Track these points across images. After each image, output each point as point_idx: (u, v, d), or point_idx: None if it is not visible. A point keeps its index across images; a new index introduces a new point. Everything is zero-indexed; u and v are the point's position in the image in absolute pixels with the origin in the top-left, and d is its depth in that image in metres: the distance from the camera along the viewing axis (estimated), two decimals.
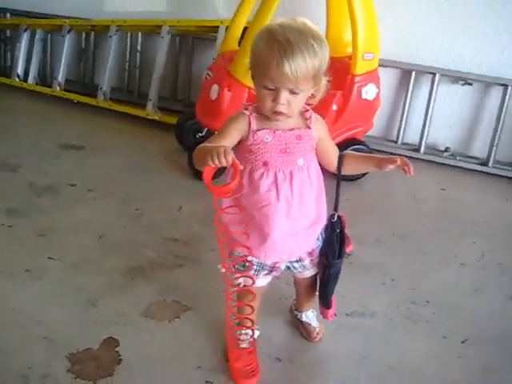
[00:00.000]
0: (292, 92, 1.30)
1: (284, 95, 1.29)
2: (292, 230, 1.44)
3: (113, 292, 1.90)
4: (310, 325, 1.75)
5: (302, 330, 1.77)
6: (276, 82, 1.28)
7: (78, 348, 1.63)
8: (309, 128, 1.41)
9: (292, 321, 1.82)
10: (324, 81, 1.36)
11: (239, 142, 1.41)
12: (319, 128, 1.45)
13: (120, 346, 1.66)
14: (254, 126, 1.37)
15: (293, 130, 1.39)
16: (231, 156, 1.23)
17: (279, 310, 1.85)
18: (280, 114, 1.33)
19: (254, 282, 1.50)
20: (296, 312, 1.79)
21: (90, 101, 3.66)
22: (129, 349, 1.65)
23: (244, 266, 1.49)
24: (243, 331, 1.64)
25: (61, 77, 3.82)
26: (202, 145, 1.34)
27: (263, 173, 1.39)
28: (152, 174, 2.83)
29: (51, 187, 2.60)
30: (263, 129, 1.37)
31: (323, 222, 1.51)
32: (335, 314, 1.70)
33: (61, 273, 1.99)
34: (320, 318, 1.75)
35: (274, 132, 1.37)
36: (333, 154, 1.51)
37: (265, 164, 1.38)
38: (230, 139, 1.38)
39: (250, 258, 1.47)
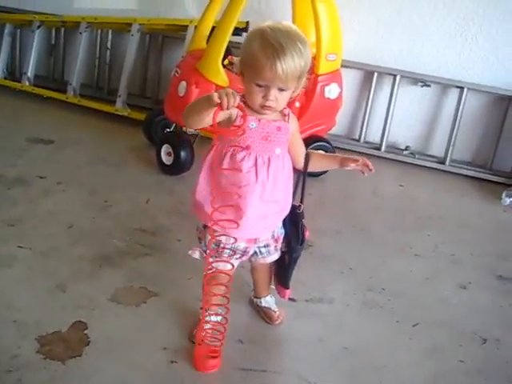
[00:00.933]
0: (280, 89, 1.43)
1: (273, 92, 1.42)
2: (263, 213, 1.55)
3: (81, 278, 1.96)
4: (270, 309, 1.84)
5: (263, 314, 1.87)
6: (268, 81, 1.41)
7: (48, 330, 1.69)
8: (287, 122, 1.54)
9: (254, 307, 1.91)
10: (305, 78, 1.49)
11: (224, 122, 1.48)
12: (293, 124, 1.59)
13: (88, 329, 1.72)
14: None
15: (275, 121, 1.51)
16: (238, 97, 1.33)
17: (242, 296, 1.94)
18: (269, 108, 1.45)
19: (233, 266, 1.60)
20: (255, 299, 1.89)
21: (59, 96, 3.68)
22: (97, 331, 1.72)
23: (217, 251, 1.57)
24: (213, 314, 1.71)
25: (30, 72, 3.83)
26: (193, 101, 1.45)
27: (245, 155, 1.49)
28: (121, 168, 2.89)
29: (21, 179, 2.64)
30: (250, 115, 1.47)
31: (287, 210, 1.63)
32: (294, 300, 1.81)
33: (30, 260, 2.04)
34: (280, 303, 1.85)
35: (259, 120, 1.49)
36: (300, 150, 1.65)
37: (247, 147, 1.49)
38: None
39: (223, 242, 1.56)
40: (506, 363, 1.82)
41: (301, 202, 1.67)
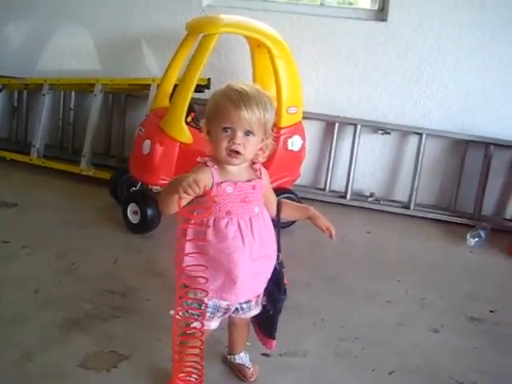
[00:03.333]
0: (246, 133, 1.46)
1: (240, 135, 1.46)
2: (253, 271, 1.56)
3: (49, 345, 1.91)
4: (244, 365, 1.82)
5: (236, 372, 1.84)
6: (233, 122, 1.45)
7: None
8: (260, 178, 1.57)
9: (228, 363, 1.88)
10: (270, 140, 1.54)
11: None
12: (265, 178, 1.62)
13: None
14: (216, 179, 1.50)
15: (250, 181, 1.54)
16: (202, 182, 1.37)
17: (215, 353, 1.91)
18: (236, 153, 1.47)
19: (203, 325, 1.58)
20: (229, 356, 1.87)
21: (23, 158, 3.65)
22: None
23: (200, 306, 1.56)
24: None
25: None
26: (164, 187, 1.48)
27: (228, 221, 1.51)
28: (87, 229, 2.86)
29: None
30: (226, 181, 1.50)
31: (275, 259, 1.65)
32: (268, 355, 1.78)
33: None
34: (253, 359, 1.82)
35: (235, 184, 1.51)
36: (273, 200, 1.69)
37: (228, 213, 1.51)
38: None
39: (205, 302, 1.55)
40: None
41: (278, 250, 1.67)
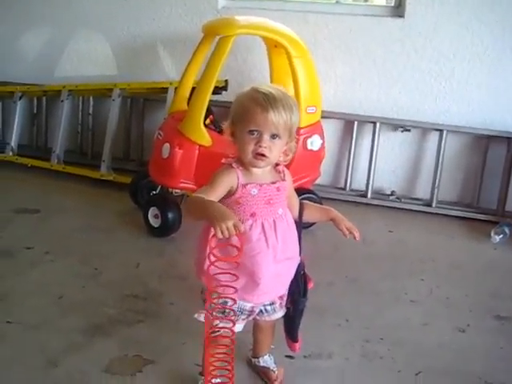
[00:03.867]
0: (273, 137, 1.46)
1: (266, 138, 1.45)
2: (276, 272, 1.55)
3: (73, 351, 1.92)
4: (268, 368, 1.81)
5: (261, 375, 1.83)
6: (260, 125, 1.44)
7: None
8: (284, 180, 1.56)
9: (252, 366, 1.87)
10: (294, 143, 1.54)
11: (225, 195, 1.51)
12: (289, 180, 1.61)
13: None
14: (242, 181, 1.50)
15: (274, 183, 1.53)
16: (240, 226, 1.34)
17: (239, 356, 1.88)
18: (262, 156, 1.47)
19: (233, 325, 1.57)
20: (254, 359, 1.86)
21: (43, 164, 3.68)
22: None
23: (224, 313, 1.56)
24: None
25: (13, 142, 3.85)
26: (196, 197, 1.46)
27: (252, 223, 1.51)
28: (108, 233, 2.87)
29: (7, 251, 2.60)
30: (251, 183, 1.50)
31: (298, 260, 1.63)
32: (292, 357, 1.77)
33: (20, 335, 1.99)
34: (278, 361, 1.81)
35: (260, 185, 1.51)
36: (295, 201, 1.68)
37: (252, 215, 1.51)
38: (220, 191, 1.50)
39: (229, 304, 1.54)
40: None
41: (299, 253, 1.65)
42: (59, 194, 3.37)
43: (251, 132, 1.46)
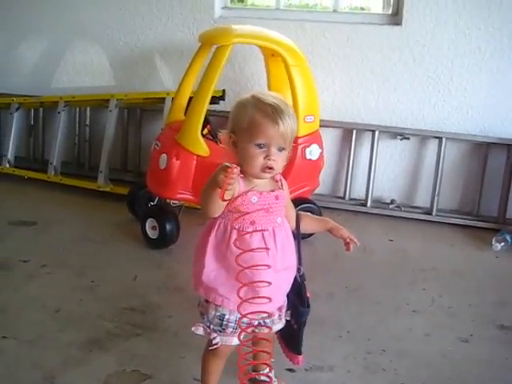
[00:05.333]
0: (280, 149, 1.44)
1: (274, 151, 1.43)
2: (276, 283, 1.51)
3: (70, 366, 1.88)
4: (268, 383, 1.77)
5: None
6: (269, 139, 1.42)
7: None
8: (282, 189, 1.54)
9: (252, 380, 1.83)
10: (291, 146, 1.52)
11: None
12: (286, 189, 1.59)
13: None
14: (242, 188, 1.47)
15: (273, 191, 1.51)
16: (234, 168, 1.34)
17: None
18: (271, 169, 1.45)
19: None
20: (254, 373, 1.81)
21: (40, 176, 3.66)
22: None
23: (221, 326, 1.54)
24: None
25: (10, 154, 3.83)
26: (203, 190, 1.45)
27: (252, 232, 1.48)
28: (106, 245, 2.84)
29: (3, 264, 2.57)
30: (251, 190, 1.47)
31: (295, 271, 1.61)
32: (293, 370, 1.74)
33: (16, 351, 1.96)
34: (279, 374, 1.78)
35: (260, 193, 1.48)
36: (293, 212, 1.65)
37: (252, 223, 1.48)
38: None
39: (227, 316, 1.53)
40: None
41: (299, 263, 1.63)
42: (56, 206, 3.34)
43: (259, 145, 1.43)
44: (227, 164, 1.36)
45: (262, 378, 1.79)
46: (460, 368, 1.99)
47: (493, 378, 1.94)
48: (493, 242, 3.00)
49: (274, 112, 1.42)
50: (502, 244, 2.99)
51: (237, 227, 1.48)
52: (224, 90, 3.29)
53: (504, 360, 2.05)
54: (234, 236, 1.48)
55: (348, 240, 1.63)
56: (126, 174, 3.77)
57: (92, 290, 2.40)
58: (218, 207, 1.45)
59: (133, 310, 2.24)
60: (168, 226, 2.73)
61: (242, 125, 1.46)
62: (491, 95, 3.27)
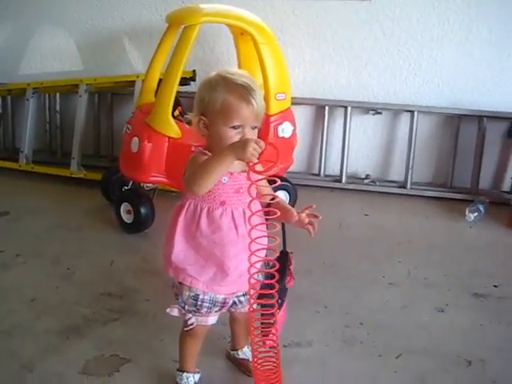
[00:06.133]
0: (253, 127, 1.44)
1: (249, 131, 1.43)
2: (246, 263, 1.48)
3: (48, 354, 1.87)
4: (247, 360, 1.78)
5: (240, 367, 1.80)
6: (244, 119, 1.41)
7: None
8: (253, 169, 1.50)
9: (231, 359, 1.85)
10: None
11: None
12: (258, 168, 1.53)
13: None
14: None
15: (244, 171, 1.48)
16: (262, 142, 1.34)
17: (218, 349, 1.87)
18: None
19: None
20: (232, 352, 1.83)
21: (11, 165, 3.60)
22: None
23: (196, 306, 1.54)
24: (184, 375, 1.66)
25: None
26: (198, 165, 1.41)
27: (222, 212, 1.47)
28: (81, 232, 2.81)
29: None
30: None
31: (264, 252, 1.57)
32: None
33: None
34: None
35: (230, 174, 1.46)
36: (267, 190, 1.58)
37: (222, 203, 1.47)
38: None
39: (201, 297, 1.53)
40: (493, 383, 1.79)
41: (284, 246, 1.64)
42: (29, 195, 3.30)
43: (234, 127, 1.42)
44: (258, 140, 1.35)
45: (241, 356, 1.80)
46: (436, 337, 2.02)
47: (468, 344, 1.97)
48: (466, 213, 3.04)
49: (246, 93, 1.41)
50: (476, 214, 3.03)
51: (206, 207, 1.47)
52: (194, 71, 3.26)
53: (479, 326, 2.09)
54: (204, 216, 1.47)
55: (308, 226, 1.54)
56: (99, 159, 3.74)
57: (68, 278, 2.38)
58: (214, 182, 1.41)
59: (110, 295, 2.23)
60: (143, 210, 2.71)
61: (213, 107, 1.43)
62: (461, 67, 3.29)
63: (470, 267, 2.53)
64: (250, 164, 1.34)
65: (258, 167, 1.38)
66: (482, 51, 3.23)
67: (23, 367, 1.80)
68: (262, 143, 1.34)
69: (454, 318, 2.15)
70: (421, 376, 1.81)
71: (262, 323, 1.54)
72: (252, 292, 1.47)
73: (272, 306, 1.52)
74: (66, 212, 3.04)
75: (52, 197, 3.25)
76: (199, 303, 1.54)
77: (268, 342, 1.59)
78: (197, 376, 1.68)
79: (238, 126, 1.42)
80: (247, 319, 1.69)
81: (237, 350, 1.81)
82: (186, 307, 1.56)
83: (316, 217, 1.52)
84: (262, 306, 1.52)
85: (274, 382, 1.61)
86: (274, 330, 1.56)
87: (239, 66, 3.03)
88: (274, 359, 1.60)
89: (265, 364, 1.60)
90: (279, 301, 1.55)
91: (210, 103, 1.44)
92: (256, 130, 1.46)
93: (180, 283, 1.55)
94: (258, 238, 1.40)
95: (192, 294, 1.53)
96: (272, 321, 1.54)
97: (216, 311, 1.58)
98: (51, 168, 3.53)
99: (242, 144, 1.34)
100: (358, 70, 3.39)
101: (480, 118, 3.28)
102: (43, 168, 3.54)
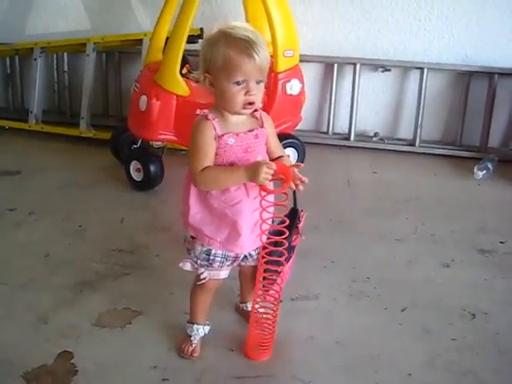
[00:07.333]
0: (258, 82, 1.43)
1: (253, 85, 1.42)
2: (258, 221, 1.53)
3: (62, 307, 1.92)
4: None
5: (249, 319, 1.84)
6: (247, 74, 1.40)
7: (33, 365, 1.65)
8: (262, 127, 1.52)
9: (240, 312, 1.89)
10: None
11: None
12: (268, 125, 1.56)
13: (75, 358, 1.68)
14: (218, 131, 1.46)
15: (251, 130, 1.49)
16: (273, 165, 1.42)
17: (227, 302, 1.92)
18: (252, 104, 1.44)
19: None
20: (241, 304, 1.88)
21: (21, 126, 3.62)
22: (84, 359, 1.68)
23: (208, 260, 1.58)
24: (194, 327, 1.70)
25: None
26: (207, 173, 1.46)
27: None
28: (91, 190, 2.85)
29: None
30: (227, 133, 1.46)
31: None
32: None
33: (8, 295, 1.99)
34: None
35: (237, 135, 1.47)
36: (278, 145, 1.62)
37: (231, 165, 1.48)
38: (211, 150, 1.47)
39: (214, 251, 1.56)
40: (496, 335, 1.83)
41: (295, 204, 1.66)
42: (39, 154, 3.33)
43: (237, 82, 1.41)
44: (269, 162, 1.42)
45: (250, 309, 1.84)
46: (441, 291, 2.05)
47: (472, 298, 2.00)
48: (475, 171, 3.04)
49: (247, 46, 1.39)
50: (484, 172, 3.03)
51: None
52: (202, 29, 3.22)
53: (483, 281, 2.11)
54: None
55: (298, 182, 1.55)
56: (108, 118, 3.74)
57: (80, 234, 2.42)
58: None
59: (121, 251, 2.28)
60: (152, 168, 2.73)
61: (216, 64, 1.43)
62: (473, 23, 3.23)
63: (477, 224, 2.54)
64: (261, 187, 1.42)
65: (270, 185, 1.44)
66: (495, 6, 3.17)
67: (39, 319, 1.86)
68: (274, 165, 1.40)
69: (459, 272, 2.17)
70: (426, 328, 1.84)
71: (264, 278, 1.58)
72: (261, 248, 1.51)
73: (278, 263, 1.56)
74: (76, 171, 3.07)
75: (62, 156, 3.28)
76: (212, 258, 1.57)
77: (268, 298, 1.63)
78: (207, 328, 1.73)
79: (242, 82, 1.41)
80: (253, 273, 1.74)
81: (245, 302, 1.85)
82: (199, 261, 1.59)
83: (302, 182, 1.55)
84: (268, 262, 1.55)
85: (265, 341, 1.67)
86: (276, 287, 1.59)
87: (247, 23, 2.99)
88: (271, 315, 1.65)
89: (262, 321, 1.67)
90: (284, 257, 1.59)
91: (213, 60, 1.43)
92: (262, 84, 1.45)
93: (192, 238, 1.58)
94: (268, 194, 1.43)
95: (205, 249, 1.56)
96: (274, 277, 1.58)
97: (228, 265, 1.62)
98: (61, 128, 3.55)
99: (254, 170, 1.40)
100: (367, 27, 3.35)
101: (491, 75, 3.24)
102: (53, 128, 3.56)
